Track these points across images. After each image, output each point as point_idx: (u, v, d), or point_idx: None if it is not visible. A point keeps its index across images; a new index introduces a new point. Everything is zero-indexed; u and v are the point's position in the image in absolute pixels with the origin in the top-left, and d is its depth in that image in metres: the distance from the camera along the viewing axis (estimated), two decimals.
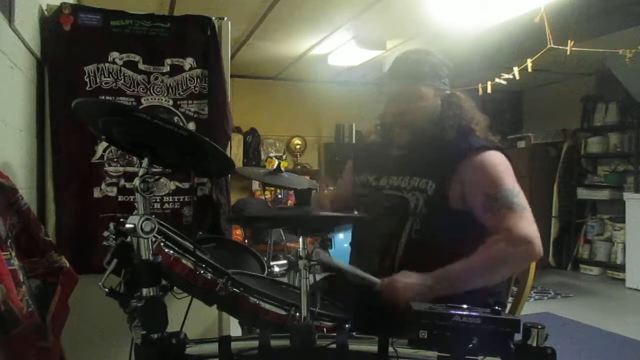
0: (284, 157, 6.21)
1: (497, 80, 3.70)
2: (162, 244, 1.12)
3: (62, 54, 1.80)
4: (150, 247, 1.07)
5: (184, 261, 1.12)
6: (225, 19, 2.01)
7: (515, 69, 3.51)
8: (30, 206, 1.31)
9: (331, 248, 1.18)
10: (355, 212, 1.67)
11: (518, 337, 0.95)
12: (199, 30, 1.95)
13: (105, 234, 1.16)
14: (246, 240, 4.85)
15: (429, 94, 1.50)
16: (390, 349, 1.01)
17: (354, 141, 6.28)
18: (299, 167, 6.28)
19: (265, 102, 6.14)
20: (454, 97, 1.53)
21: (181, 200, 1.93)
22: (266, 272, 1.53)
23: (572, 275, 5.68)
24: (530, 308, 4.01)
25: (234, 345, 1.03)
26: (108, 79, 1.85)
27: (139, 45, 1.88)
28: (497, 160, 1.41)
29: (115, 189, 1.85)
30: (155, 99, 1.90)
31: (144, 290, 1.05)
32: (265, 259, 1.63)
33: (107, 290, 1.08)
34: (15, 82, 1.55)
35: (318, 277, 1.56)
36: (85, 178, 1.83)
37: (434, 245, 1.38)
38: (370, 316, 1.26)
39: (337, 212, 1.69)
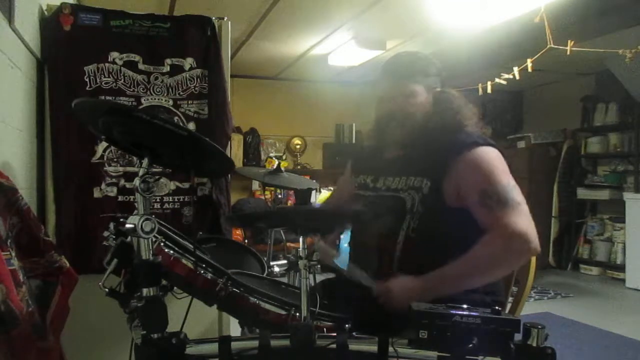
0: (284, 157, 6.21)
1: (497, 80, 3.70)
2: (162, 244, 1.12)
3: (62, 54, 1.80)
4: (150, 247, 1.07)
5: (184, 261, 1.12)
6: (225, 19, 2.01)
7: (515, 69, 3.51)
8: (30, 206, 1.31)
9: (333, 255, 1.18)
10: None
11: (518, 337, 0.95)
12: (199, 30, 1.95)
13: (105, 234, 1.16)
14: (246, 240, 4.85)
15: (419, 91, 1.51)
16: (390, 349, 1.01)
17: (354, 141, 6.28)
18: (299, 167, 6.28)
19: (265, 102, 6.13)
20: (445, 94, 1.53)
21: (181, 200, 1.93)
22: (266, 272, 1.53)
23: (572, 275, 5.68)
24: (530, 308, 4.01)
25: (234, 345, 1.03)
26: (108, 79, 1.85)
27: (139, 45, 1.88)
28: (490, 156, 1.41)
29: (115, 189, 1.85)
30: (155, 99, 1.90)
31: (144, 290, 1.05)
32: (265, 259, 1.63)
33: (107, 290, 1.07)
34: (15, 82, 1.55)
35: (318, 277, 1.56)
36: (85, 178, 1.83)
37: (431, 242, 1.38)
38: (370, 316, 1.26)
39: None
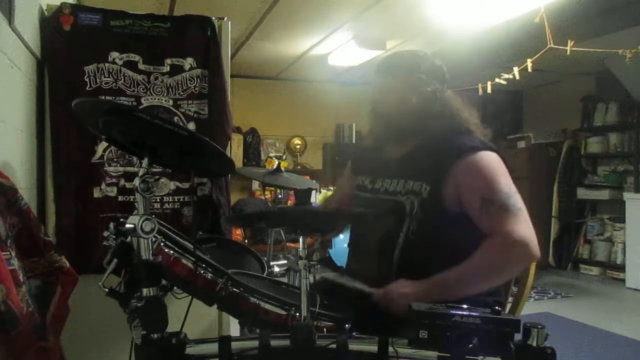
0: (284, 157, 6.21)
1: (497, 80, 3.70)
2: (162, 244, 1.12)
3: (62, 54, 1.80)
4: (150, 247, 1.07)
5: (184, 261, 1.12)
6: (225, 19, 2.01)
7: (515, 69, 3.51)
8: (30, 206, 1.31)
9: (331, 248, 1.18)
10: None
11: (518, 337, 0.95)
12: (199, 30, 1.95)
13: (105, 234, 1.16)
14: (246, 240, 4.85)
15: (405, 88, 1.50)
16: (390, 349, 1.01)
17: (354, 141, 6.28)
18: (299, 167, 6.28)
19: (265, 102, 6.13)
20: (437, 94, 1.51)
21: (181, 200, 1.93)
22: (266, 272, 1.53)
23: (572, 275, 5.68)
24: (530, 308, 4.01)
25: (234, 345, 1.03)
26: (108, 79, 1.85)
27: (139, 45, 1.88)
28: (491, 161, 1.40)
29: (115, 189, 1.85)
30: (155, 99, 1.90)
31: (144, 290, 1.05)
32: (265, 259, 1.63)
33: (107, 290, 1.07)
34: (15, 82, 1.55)
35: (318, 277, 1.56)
36: (85, 178, 1.83)
37: (431, 246, 1.38)
38: (370, 316, 1.26)
39: None
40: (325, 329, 1.13)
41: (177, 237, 1.22)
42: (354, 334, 1.09)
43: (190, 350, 1.04)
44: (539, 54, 3.29)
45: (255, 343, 1.00)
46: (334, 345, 1.00)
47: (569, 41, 3.10)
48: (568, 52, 3.11)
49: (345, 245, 1.67)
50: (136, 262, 1.06)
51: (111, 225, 1.16)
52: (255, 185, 5.97)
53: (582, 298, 4.70)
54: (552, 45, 3.14)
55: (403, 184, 1.47)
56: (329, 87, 6.15)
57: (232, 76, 2.11)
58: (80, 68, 1.82)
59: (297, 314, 1.10)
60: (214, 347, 1.04)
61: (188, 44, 1.93)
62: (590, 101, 5.84)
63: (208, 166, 1.30)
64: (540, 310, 4.07)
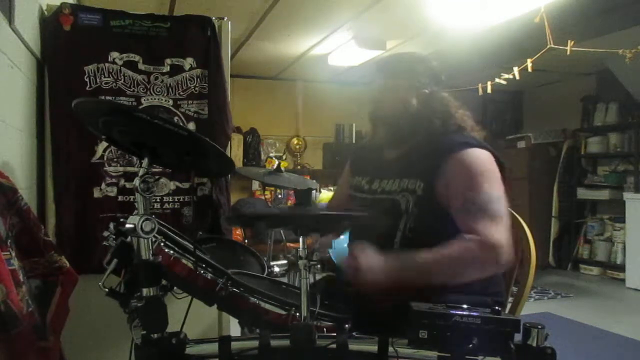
0: (284, 157, 6.21)
1: (497, 80, 3.70)
2: (162, 244, 1.12)
3: (62, 54, 1.80)
4: (150, 247, 1.07)
5: (184, 261, 1.12)
6: (225, 19, 2.01)
7: (515, 69, 3.51)
8: (30, 206, 1.31)
9: (331, 248, 1.18)
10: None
11: (518, 337, 0.95)
12: (199, 30, 1.95)
13: (105, 234, 1.16)
14: (246, 240, 4.84)
15: (401, 89, 1.52)
16: (390, 349, 1.01)
17: (354, 141, 6.28)
18: (299, 167, 6.28)
19: (265, 102, 6.13)
20: (438, 96, 1.52)
21: (181, 200, 1.93)
22: (266, 272, 1.53)
23: (572, 275, 5.68)
24: (530, 308, 4.01)
25: (234, 345, 1.03)
26: (108, 79, 1.85)
27: (139, 45, 1.88)
28: (480, 159, 1.39)
29: (115, 189, 1.85)
30: (155, 99, 1.90)
31: (144, 290, 1.05)
32: (265, 259, 1.63)
33: (107, 290, 1.07)
34: (15, 82, 1.55)
35: (318, 277, 1.57)
36: (85, 178, 1.83)
37: (428, 242, 1.38)
38: (369, 315, 1.26)
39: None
40: (325, 329, 1.13)
41: (177, 237, 1.22)
42: (354, 334, 1.09)
43: (190, 350, 1.04)
44: (539, 54, 3.29)
45: (255, 343, 1.00)
46: (334, 345, 1.00)
47: (569, 41, 3.11)
48: (568, 52, 3.11)
49: (345, 245, 1.68)
50: (136, 262, 1.06)
51: (111, 225, 1.16)
52: (255, 185, 5.96)
53: (582, 298, 4.70)
54: (552, 45, 3.14)
55: (399, 182, 1.48)
56: (329, 87, 6.15)
57: (232, 76, 2.11)
58: (80, 68, 1.82)
59: (297, 314, 1.10)
60: (214, 347, 1.04)
61: (188, 44, 1.93)
62: (590, 101, 5.84)
63: (208, 166, 1.30)
64: (540, 310, 4.07)
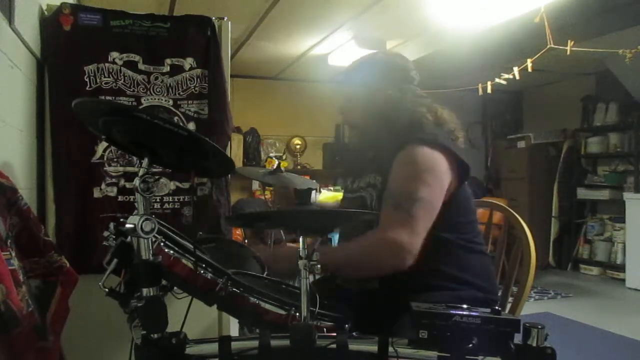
0: (284, 157, 6.21)
1: (497, 80, 3.70)
2: (162, 244, 1.12)
3: (62, 54, 1.80)
4: (150, 247, 1.07)
5: (184, 261, 1.12)
6: (225, 19, 2.01)
7: (515, 69, 3.51)
8: (30, 206, 1.31)
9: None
10: None
11: (518, 337, 0.95)
12: (199, 30, 1.94)
13: (105, 234, 1.16)
14: (246, 240, 4.84)
15: (361, 95, 1.55)
16: (390, 349, 1.01)
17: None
18: (299, 167, 6.28)
19: (265, 102, 6.13)
20: (402, 95, 1.51)
21: (181, 200, 1.93)
22: (266, 272, 1.53)
23: (572, 275, 5.68)
24: (530, 308, 4.01)
25: (234, 345, 1.03)
26: (108, 79, 1.85)
27: (139, 45, 1.88)
28: (424, 158, 1.37)
29: (115, 189, 1.85)
30: (155, 99, 1.90)
31: (144, 290, 1.05)
32: None
33: (107, 290, 1.07)
34: (15, 82, 1.55)
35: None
36: (85, 178, 1.82)
37: None
38: (369, 316, 1.26)
39: None
40: (325, 329, 1.13)
41: (177, 237, 1.22)
42: (354, 334, 1.09)
43: (190, 350, 1.04)
44: (539, 54, 3.29)
45: (255, 343, 1.00)
46: (334, 345, 1.00)
47: (569, 41, 3.11)
48: (568, 52, 3.12)
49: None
50: (136, 262, 1.06)
51: (111, 225, 1.16)
52: (255, 185, 5.96)
53: (582, 298, 4.70)
54: (552, 45, 3.14)
55: (366, 178, 1.52)
56: (329, 87, 6.15)
57: (232, 76, 2.11)
58: (80, 68, 1.82)
59: (297, 314, 1.10)
60: (214, 347, 1.03)
61: (188, 44, 1.93)
62: (590, 101, 5.84)
63: (208, 166, 1.30)
64: (540, 310, 4.07)
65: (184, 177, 1.91)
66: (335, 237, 1.52)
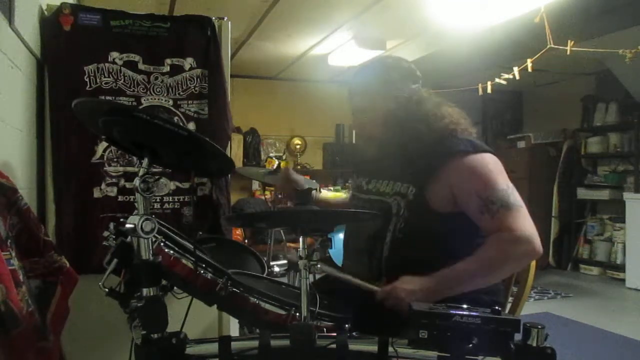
0: (284, 157, 6.21)
1: (497, 80, 3.70)
2: (162, 244, 1.12)
3: (62, 54, 1.80)
4: (150, 247, 1.07)
5: (184, 261, 1.12)
6: (225, 19, 2.01)
7: (515, 69, 3.51)
8: (30, 206, 1.31)
9: (331, 248, 1.18)
10: None
11: (518, 337, 0.95)
12: (199, 30, 1.95)
13: (105, 234, 1.16)
14: (246, 240, 4.84)
15: (376, 105, 1.52)
16: (390, 349, 1.01)
17: (354, 141, 6.29)
18: (299, 167, 6.28)
19: (265, 102, 6.13)
20: (415, 98, 1.51)
21: (181, 200, 1.93)
22: (266, 272, 1.53)
23: (572, 275, 5.68)
24: (530, 308, 4.01)
25: (234, 345, 1.03)
26: (108, 79, 1.85)
27: (139, 45, 1.88)
28: (485, 161, 1.41)
29: (115, 189, 1.85)
30: (155, 99, 1.90)
31: (144, 290, 1.05)
32: (265, 259, 1.63)
33: (107, 290, 1.07)
34: (15, 82, 1.55)
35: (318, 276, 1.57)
36: (85, 178, 1.82)
37: (417, 243, 1.40)
38: (370, 315, 1.26)
39: None
40: (325, 329, 1.13)
41: (177, 237, 1.22)
42: (354, 334, 1.09)
43: (190, 350, 1.04)
44: (539, 54, 3.29)
45: (255, 343, 1.00)
46: (334, 345, 1.00)
47: (569, 41, 3.11)
48: (568, 52, 3.12)
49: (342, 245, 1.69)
50: (136, 262, 1.06)
51: (111, 225, 1.16)
52: (255, 185, 5.97)
53: (582, 298, 4.70)
54: (552, 45, 3.14)
55: (392, 185, 1.50)
56: (329, 87, 6.15)
57: (232, 76, 2.11)
58: (80, 68, 1.82)
59: (297, 314, 1.10)
60: (214, 347, 1.04)
61: (188, 44, 1.93)
62: (590, 101, 5.84)
63: (208, 166, 1.30)
64: (540, 310, 4.07)
65: (184, 177, 1.91)
66: (336, 237, 1.52)
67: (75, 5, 1.88)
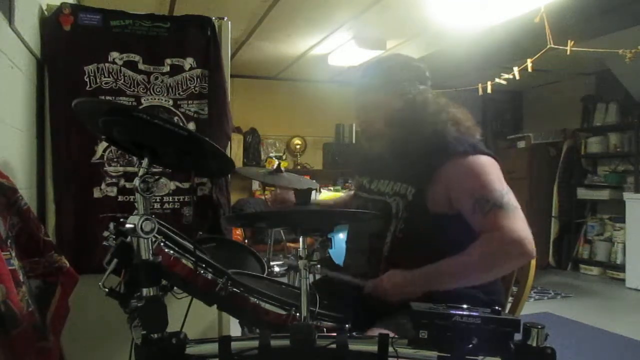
0: (284, 157, 6.21)
1: (497, 80, 3.70)
2: (162, 244, 1.12)
3: (62, 54, 1.80)
4: (150, 247, 1.07)
5: (184, 261, 1.12)
6: (225, 19, 2.01)
7: (515, 69, 3.51)
8: (30, 206, 1.31)
9: (331, 248, 1.18)
10: None
11: (518, 337, 0.95)
12: (199, 30, 1.95)
13: (105, 234, 1.16)
14: (246, 240, 4.84)
15: (381, 101, 1.51)
16: (390, 349, 1.01)
17: (354, 141, 6.29)
18: (299, 167, 6.28)
19: (265, 102, 6.14)
20: (422, 98, 1.50)
21: (181, 200, 1.93)
22: (266, 272, 1.53)
23: (572, 275, 5.68)
24: (530, 308, 4.01)
25: (234, 345, 1.03)
26: (108, 79, 1.85)
27: (139, 45, 1.88)
28: (482, 163, 1.40)
29: (115, 189, 1.85)
30: (155, 99, 1.90)
31: (144, 290, 1.05)
32: (265, 259, 1.63)
33: (107, 290, 1.07)
34: (15, 82, 1.55)
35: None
36: (85, 178, 1.82)
37: (417, 243, 1.40)
38: (365, 310, 1.27)
39: None
40: (325, 329, 1.13)
41: (177, 237, 1.22)
42: (354, 334, 1.09)
43: (190, 350, 1.04)
44: (539, 54, 3.29)
45: (255, 343, 1.00)
46: (334, 345, 1.00)
47: (569, 41, 3.11)
48: (568, 52, 3.12)
49: (344, 245, 1.69)
50: (136, 262, 1.06)
51: (111, 225, 1.16)
52: (255, 185, 5.96)
53: (582, 298, 4.70)
54: (552, 45, 3.14)
55: (392, 185, 1.50)
56: (329, 87, 6.15)
57: (232, 76, 2.11)
58: (80, 68, 1.82)
59: (297, 314, 1.10)
60: (214, 347, 1.03)
61: (188, 44, 1.93)
62: (590, 101, 5.84)
63: (208, 166, 1.30)
64: (540, 310, 4.07)
65: (184, 177, 1.91)
66: (336, 237, 1.52)
67: (75, 5, 1.88)
